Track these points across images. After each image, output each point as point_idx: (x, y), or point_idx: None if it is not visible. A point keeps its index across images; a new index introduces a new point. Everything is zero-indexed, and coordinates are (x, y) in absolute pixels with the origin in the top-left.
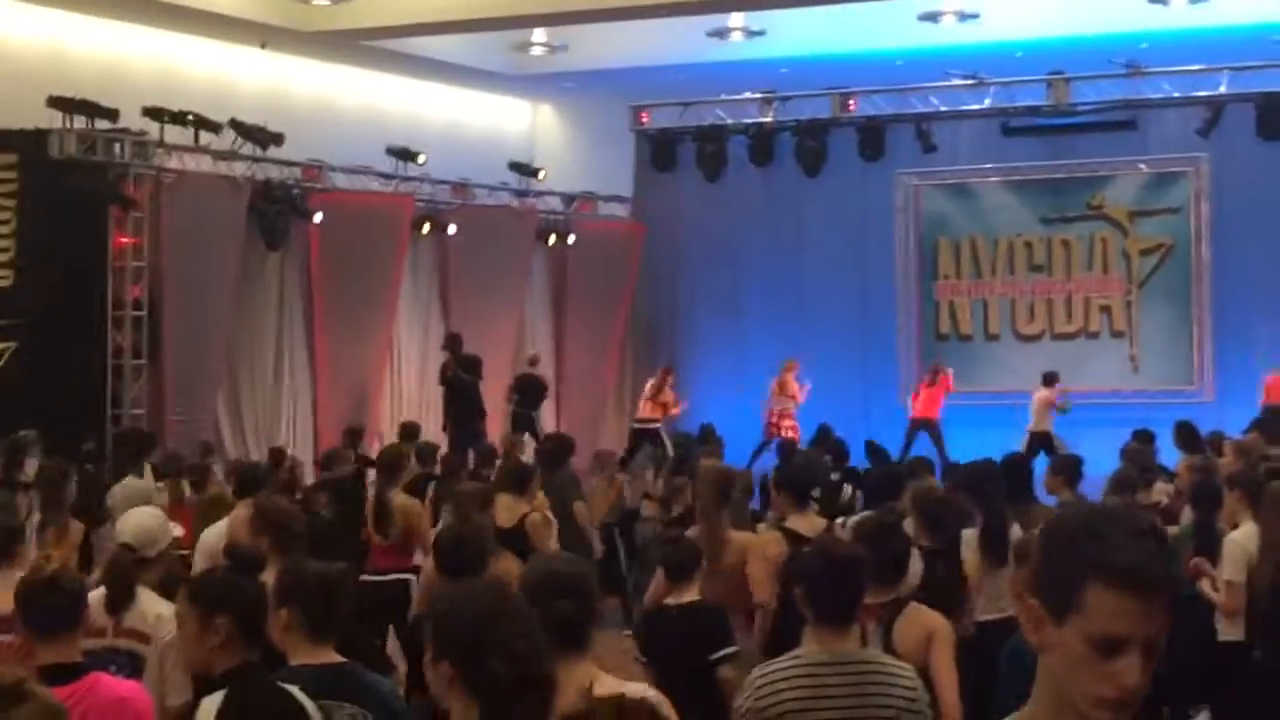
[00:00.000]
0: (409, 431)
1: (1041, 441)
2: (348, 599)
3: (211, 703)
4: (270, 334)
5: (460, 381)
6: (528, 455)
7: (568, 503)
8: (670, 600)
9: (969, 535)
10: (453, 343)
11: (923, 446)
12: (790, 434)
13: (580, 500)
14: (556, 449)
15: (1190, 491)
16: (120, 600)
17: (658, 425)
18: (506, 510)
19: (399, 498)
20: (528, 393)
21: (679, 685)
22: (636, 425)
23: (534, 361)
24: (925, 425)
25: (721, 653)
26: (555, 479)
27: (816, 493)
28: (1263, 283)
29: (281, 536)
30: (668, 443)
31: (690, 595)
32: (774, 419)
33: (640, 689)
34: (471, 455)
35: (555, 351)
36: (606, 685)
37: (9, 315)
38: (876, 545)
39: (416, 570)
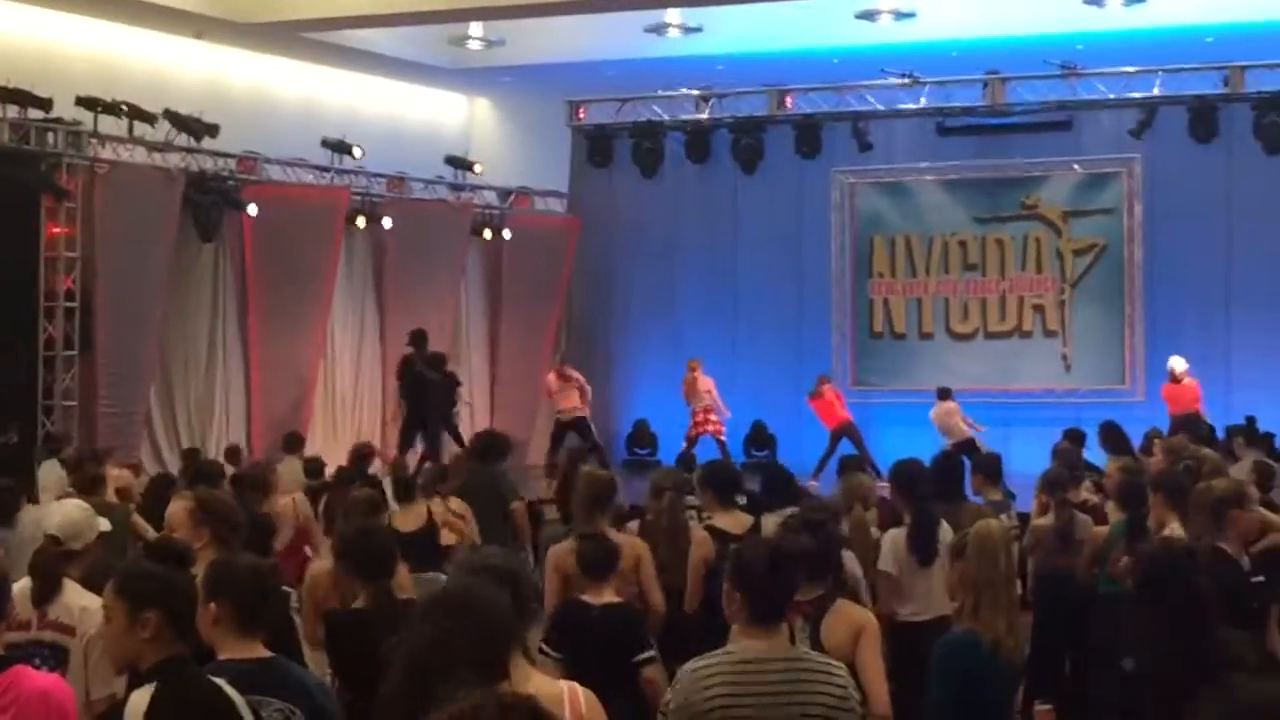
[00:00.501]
0: (293, 442)
1: (965, 448)
2: (278, 593)
3: (141, 697)
4: (204, 326)
5: (424, 378)
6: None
7: (497, 501)
8: (588, 598)
9: (896, 534)
10: (417, 339)
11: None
12: (717, 429)
13: (519, 500)
14: (488, 446)
15: (1119, 492)
16: (47, 593)
17: (584, 415)
18: (404, 517)
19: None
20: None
21: (597, 683)
22: (561, 417)
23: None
24: (846, 431)
25: (644, 655)
26: (484, 476)
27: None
28: (1193, 284)
29: (223, 529)
30: (595, 434)
31: (609, 595)
32: (699, 418)
33: (563, 686)
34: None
35: (490, 346)
36: (535, 684)
37: None
38: (805, 549)
39: None
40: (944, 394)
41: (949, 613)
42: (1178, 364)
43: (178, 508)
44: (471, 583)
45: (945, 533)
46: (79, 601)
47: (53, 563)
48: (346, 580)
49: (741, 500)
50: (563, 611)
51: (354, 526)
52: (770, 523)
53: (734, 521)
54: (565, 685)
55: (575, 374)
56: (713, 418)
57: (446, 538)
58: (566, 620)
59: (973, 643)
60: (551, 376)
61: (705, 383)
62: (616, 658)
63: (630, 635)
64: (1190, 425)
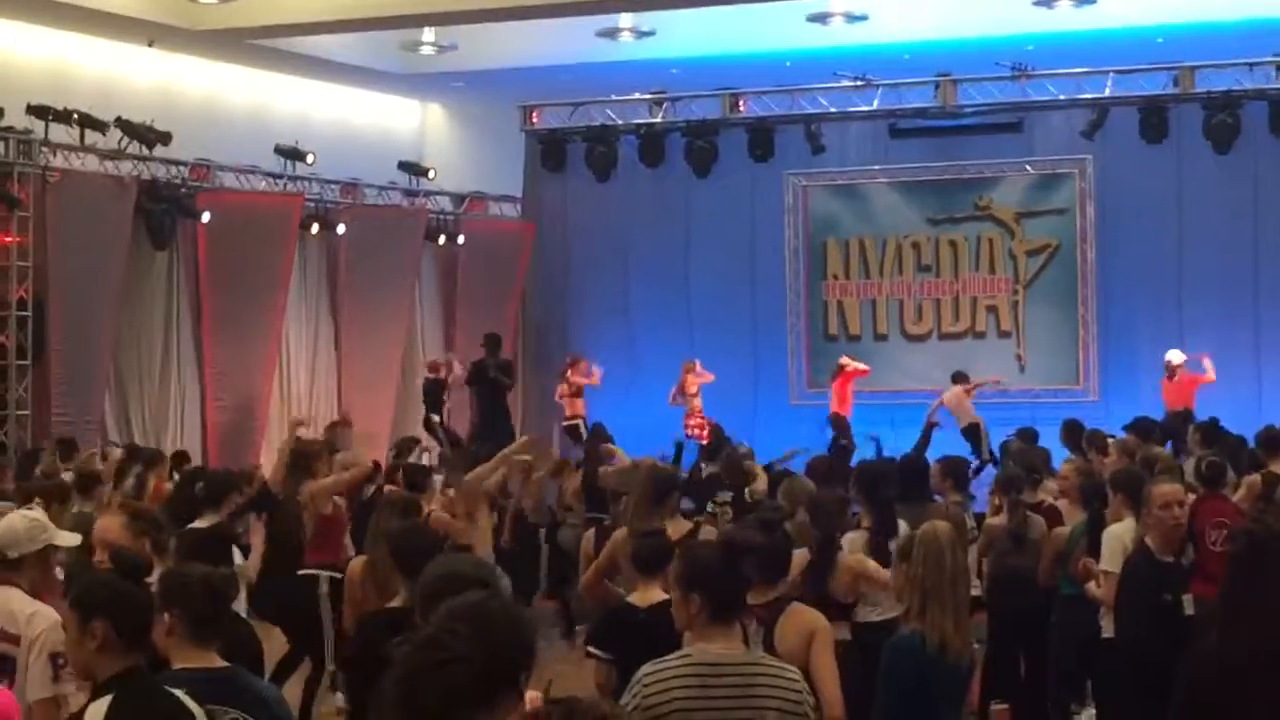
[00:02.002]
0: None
1: (972, 434)
2: (231, 602)
3: (98, 708)
4: (158, 334)
5: (499, 384)
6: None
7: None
8: (635, 600)
9: (854, 536)
10: (491, 343)
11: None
12: (699, 433)
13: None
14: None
15: (1079, 493)
16: None
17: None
18: None
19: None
20: (430, 396)
21: None
22: (566, 424)
23: (434, 368)
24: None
25: None
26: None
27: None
28: (1146, 283)
29: (161, 539)
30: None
31: (657, 593)
32: (692, 420)
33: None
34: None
35: (445, 352)
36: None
37: None
38: (758, 544)
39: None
40: (958, 378)
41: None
42: (1174, 357)
43: (109, 523)
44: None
45: (904, 535)
46: (25, 609)
47: None
48: (385, 576)
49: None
50: (611, 615)
51: (404, 524)
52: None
53: (675, 528)
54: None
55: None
56: (693, 421)
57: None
58: (615, 622)
59: (918, 644)
60: (564, 386)
61: (692, 385)
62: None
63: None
64: (1181, 424)
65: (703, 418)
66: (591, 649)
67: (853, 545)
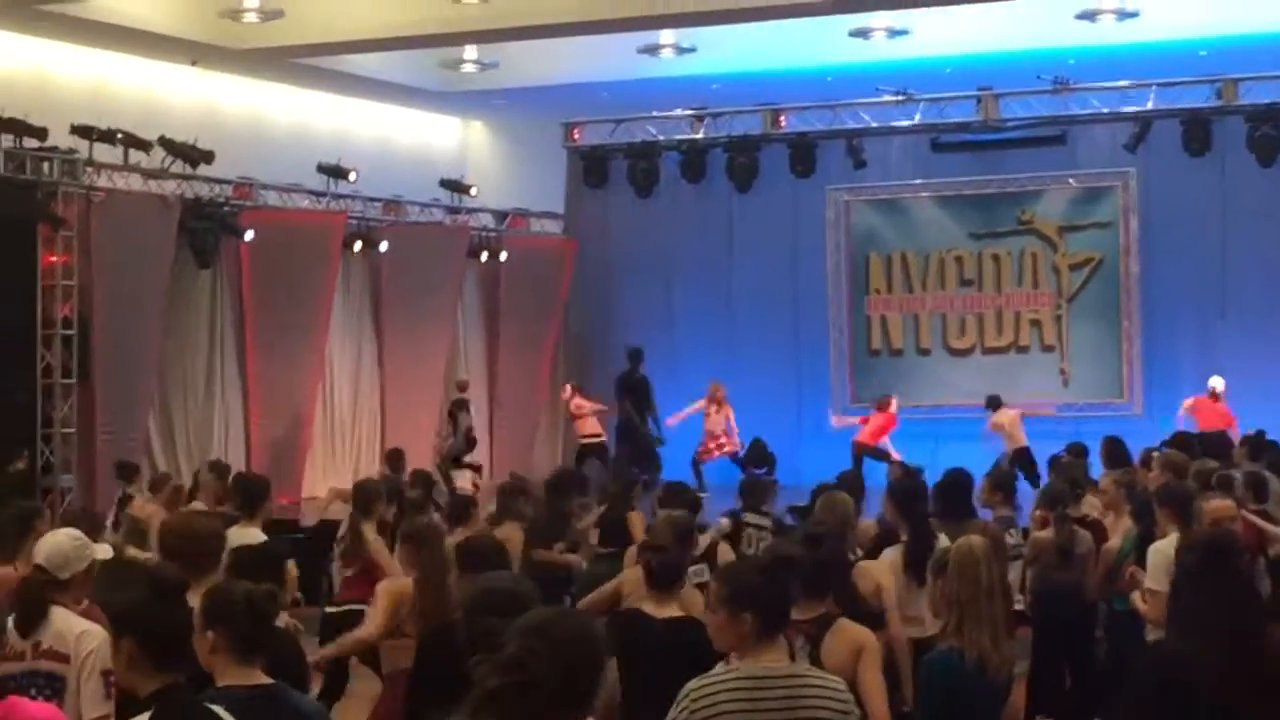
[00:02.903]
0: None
1: (1021, 458)
2: (274, 619)
3: None
4: (202, 352)
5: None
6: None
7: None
8: (650, 609)
9: (891, 553)
10: (633, 356)
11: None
12: (730, 451)
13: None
14: (569, 483)
15: (1132, 507)
16: (31, 622)
17: (603, 440)
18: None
19: (369, 532)
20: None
21: (654, 696)
22: (584, 441)
23: (463, 387)
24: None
25: None
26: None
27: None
28: (1189, 296)
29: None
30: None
31: (674, 609)
32: (710, 444)
33: None
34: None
35: (488, 369)
36: None
37: None
38: (803, 559)
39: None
40: (994, 403)
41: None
42: (1218, 384)
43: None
44: (564, 610)
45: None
46: (74, 628)
47: (36, 591)
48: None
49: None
50: (626, 622)
51: (484, 538)
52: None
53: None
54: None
55: (587, 404)
56: (724, 441)
57: None
58: (626, 629)
59: (956, 660)
60: (580, 400)
61: (727, 408)
62: (680, 673)
63: (699, 651)
64: (1221, 443)
65: (728, 437)
66: None
67: (888, 561)
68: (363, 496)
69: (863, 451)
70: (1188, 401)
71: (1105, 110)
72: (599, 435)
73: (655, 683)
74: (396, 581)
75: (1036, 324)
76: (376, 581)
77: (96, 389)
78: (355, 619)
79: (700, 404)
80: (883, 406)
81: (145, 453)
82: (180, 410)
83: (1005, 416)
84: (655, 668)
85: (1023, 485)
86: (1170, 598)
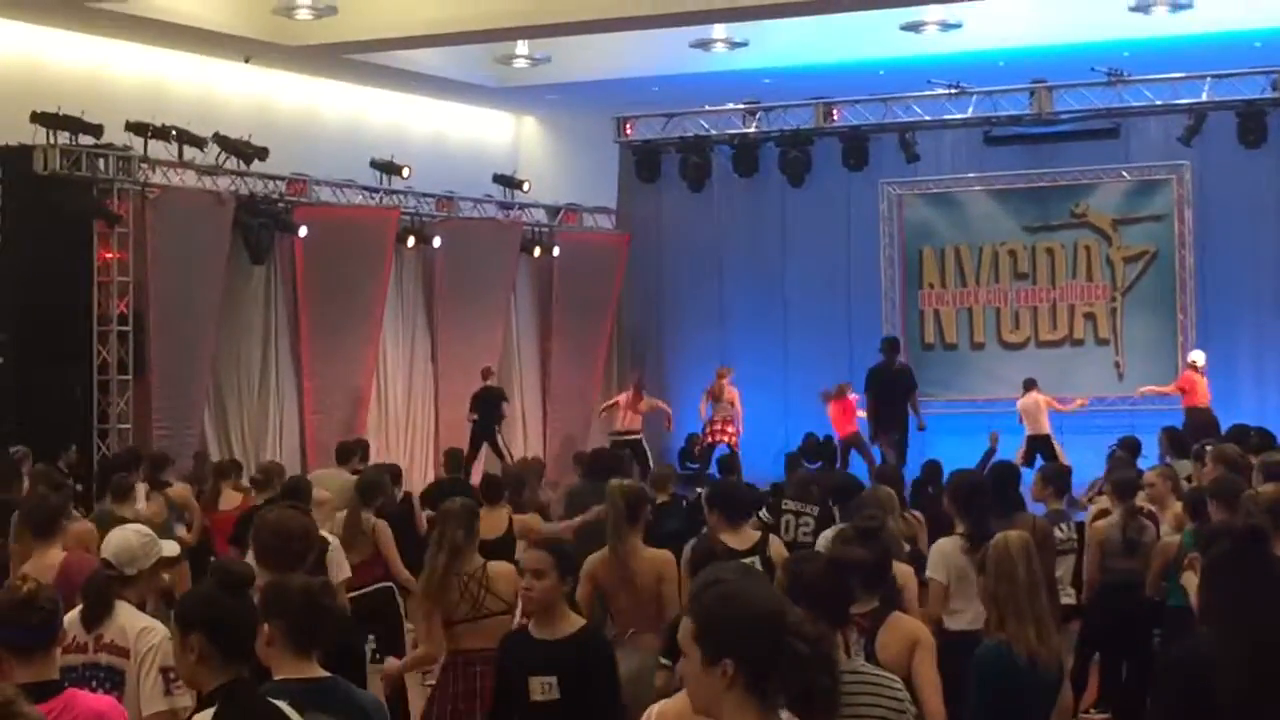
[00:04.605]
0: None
1: (1041, 445)
2: (331, 612)
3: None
4: (256, 348)
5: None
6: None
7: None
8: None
9: (946, 543)
10: (889, 347)
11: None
12: (733, 440)
13: None
14: (606, 465)
15: (1188, 501)
16: (96, 616)
17: (639, 436)
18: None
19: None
20: (486, 406)
21: None
22: (615, 437)
23: (487, 374)
24: (854, 442)
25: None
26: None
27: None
28: (1245, 289)
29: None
30: (649, 455)
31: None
32: (716, 426)
33: None
34: None
35: (540, 363)
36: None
37: None
38: (862, 558)
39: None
40: (1031, 384)
41: None
42: (1199, 358)
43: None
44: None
45: None
46: (136, 624)
47: (103, 586)
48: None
49: (759, 516)
50: (706, 549)
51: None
52: (823, 538)
53: (739, 539)
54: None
55: (655, 401)
56: (730, 428)
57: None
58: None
59: (1006, 653)
60: (628, 394)
61: (732, 392)
62: None
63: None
64: (1206, 423)
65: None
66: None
67: (943, 551)
68: (365, 487)
69: (850, 444)
70: (1175, 383)
71: (1159, 102)
72: (636, 432)
73: None
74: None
75: (1091, 317)
76: (385, 565)
77: (152, 384)
78: (381, 598)
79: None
80: (840, 394)
81: (200, 448)
82: (235, 405)
83: (1031, 400)
84: None
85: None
86: (1201, 588)
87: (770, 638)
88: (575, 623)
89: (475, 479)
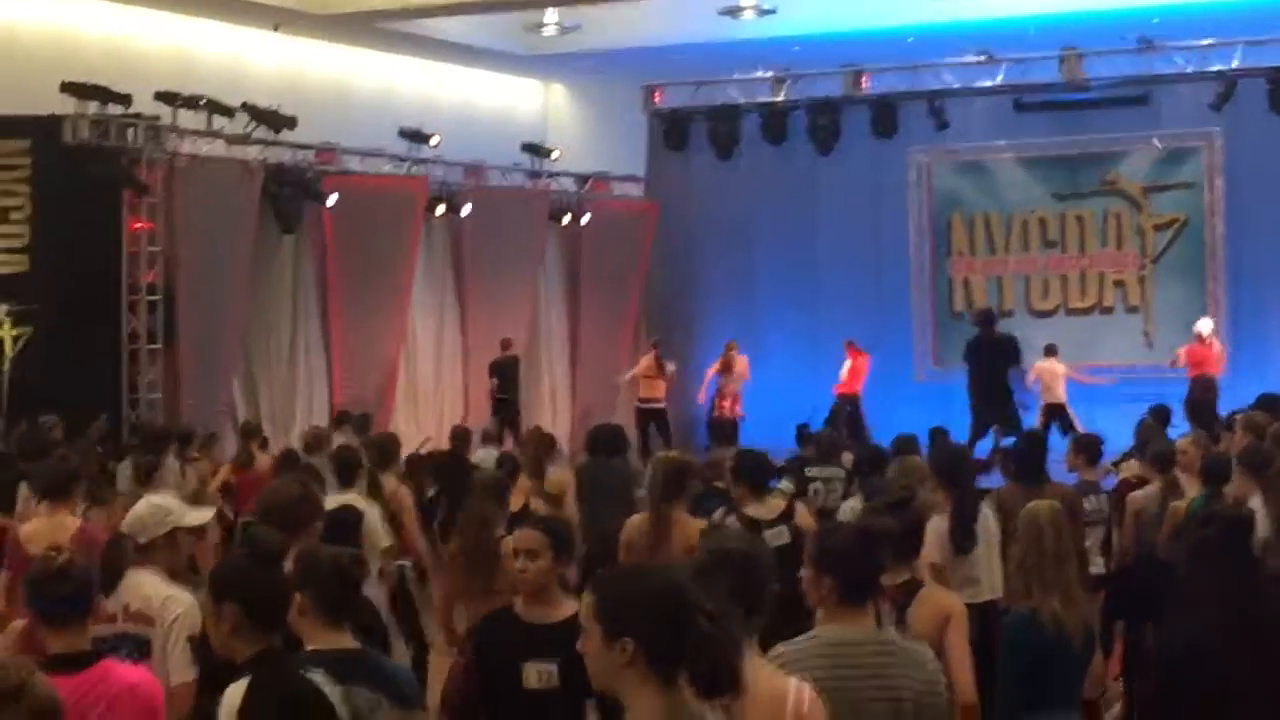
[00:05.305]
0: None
1: (1056, 413)
2: (361, 583)
3: (235, 691)
4: (285, 317)
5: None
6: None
7: (619, 494)
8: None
9: (938, 523)
10: (984, 319)
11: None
12: (734, 412)
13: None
14: (609, 440)
15: (1202, 466)
16: (106, 584)
17: (662, 405)
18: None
19: (390, 483)
20: (505, 376)
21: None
22: (639, 405)
23: (506, 345)
24: (851, 401)
25: None
26: (606, 469)
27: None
28: (1276, 257)
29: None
30: (670, 426)
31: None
32: (726, 401)
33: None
34: None
35: (569, 332)
36: (761, 674)
37: (24, 301)
38: (893, 529)
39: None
40: (1052, 351)
41: (995, 597)
42: (1205, 326)
43: None
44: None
45: (987, 517)
46: (160, 592)
47: (113, 555)
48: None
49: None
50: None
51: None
52: (847, 506)
53: (765, 509)
54: (793, 682)
55: (669, 365)
56: (729, 402)
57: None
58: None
59: (1037, 622)
60: (649, 361)
61: (742, 362)
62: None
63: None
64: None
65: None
66: None
67: (937, 531)
68: (380, 450)
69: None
70: (1180, 351)
71: (1190, 69)
72: (658, 400)
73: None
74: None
75: (1121, 285)
76: (402, 530)
77: (181, 354)
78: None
79: (715, 368)
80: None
81: (230, 417)
82: (264, 375)
83: (1049, 366)
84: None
85: None
86: (1185, 573)
87: (670, 617)
88: (571, 606)
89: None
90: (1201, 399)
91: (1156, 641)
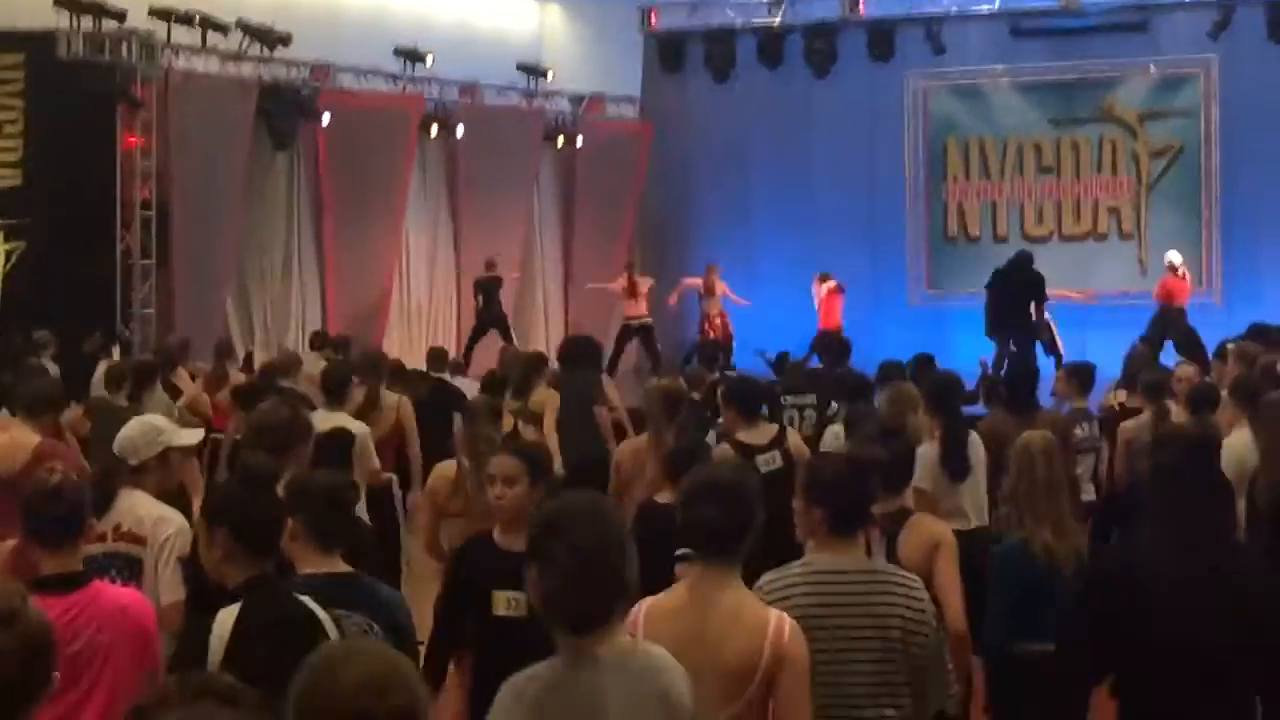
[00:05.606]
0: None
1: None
2: (352, 507)
3: (227, 615)
4: (279, 235)
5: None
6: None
7: (586, 407)
8: (661, 499)
9: (927, 449)
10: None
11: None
12: (720, 333)
13: (601, 404)
14: (580, 352)
15: (1189, 396)
16: (98, 506)
17: (647, 320)
18: None
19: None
20: (488, 294)
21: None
22: (626, 322)
23: (491, 265)
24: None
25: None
26: (575, 381)
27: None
28: (1271, 186)
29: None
30: (656, 343)
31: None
32: (712, 319)
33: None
34: None
35: (563, 253)
36: (744, 604)
37: (18, 215)
38: (882, 458)
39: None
40: None
41: (984, 524)
42: (1176, 257)
43: None
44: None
45: (975, 445)
46: (152, 512)
47: (104, 477)
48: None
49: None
50: (641, 512)
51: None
52: (830, 433)
53: (757, 435)
54: (774, 613)
55: (647, 280)
56: (718, 321)
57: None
58: (643, 519)
59: (1024, 551)
60: (622, 281)
61: (722, 286)
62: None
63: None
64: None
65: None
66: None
67: (926, 458)
68: (375, 361)
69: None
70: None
71: None
72: (642, 316)
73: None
74: (434, 476)
75: (1115, 212)
76: (400, 445)
77: (175, 270)
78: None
79: (695, 282)
80: (709, 287)
81: (223, 333)
82: (258, 292)
83: None
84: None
85: None
86: (1145, 494)
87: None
88: None
89: (473, 367)
90: (1190, 331)
91: (1092, 561)
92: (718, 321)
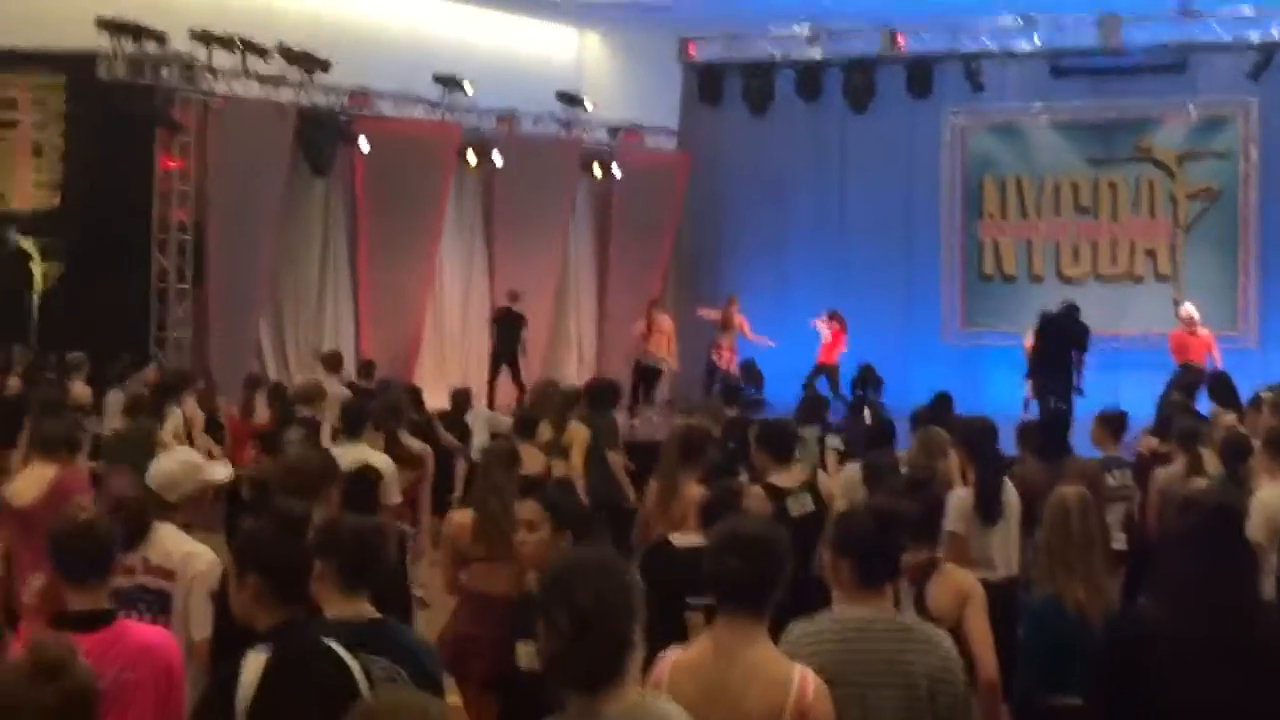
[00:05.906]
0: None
1: None
2: (381, 552)
3: (257, 660)
4: (314, 260)
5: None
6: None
7: (603, 451)
8: (677, 540)
9: (961, 494)
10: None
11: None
12: (729, 365)
13: (615, 450)
14: (603, 393)
15: (1222, 447)
16: (130, 540)
17: (653, 362)
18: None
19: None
20: (506, 330)
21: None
22: (645, 361)
23: (514, 298)
24: (828, 370)
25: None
26: (599, 422)
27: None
28: None
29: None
30: (655, 385)
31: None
32: (721, 350)
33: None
34: None
35: (598, 284)
36: (768, 659)
37: (56, 236)
38: (911, 512)
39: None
40: None
41: (1012, 574)
42: (1193, 311)
43: None
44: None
45: (1009, 491)
46: (182, 547)
47: (137, 510)
48: (495, 529)
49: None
50: (650, 552)
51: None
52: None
53: (789, 478)
54: (797, 669)
55: (667, 320)
56: (726, 355)
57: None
58: (651, 561)
59: (1057, 607)
60: (641, 325)
61: (741, 319)
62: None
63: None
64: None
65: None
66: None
67: (960, 503)
68: (389, 410)
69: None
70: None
71: (1228, 38)
72: (652, 356)
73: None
74: (450, 522)
75: (1152, 253)
76: (413, 475)
77: (210, 294)
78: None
79: (714, 315)
80: (726, 320)
81: (256, 358)
82: (292, 317)
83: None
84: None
85: None
86: (1163, 558)
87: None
88: None
89: (487, 402)
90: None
91: (1112, 621)
92: (726, 354)
